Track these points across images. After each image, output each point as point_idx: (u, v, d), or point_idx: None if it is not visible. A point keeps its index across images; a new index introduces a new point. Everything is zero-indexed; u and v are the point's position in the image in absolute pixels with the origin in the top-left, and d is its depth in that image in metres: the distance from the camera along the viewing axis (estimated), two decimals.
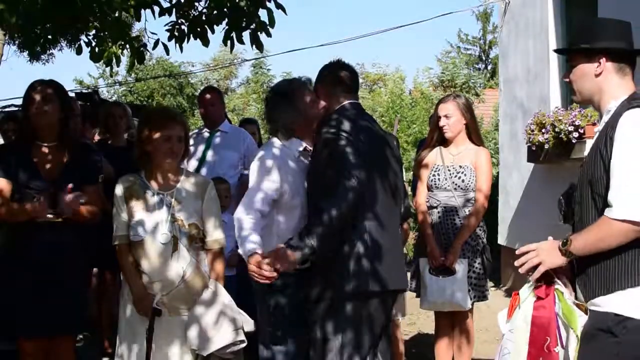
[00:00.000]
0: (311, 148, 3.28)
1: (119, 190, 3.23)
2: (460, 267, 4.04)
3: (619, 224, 2.10)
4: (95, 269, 5.07)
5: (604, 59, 2.26)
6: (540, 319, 2.25)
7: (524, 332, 2.27)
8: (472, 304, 4.19)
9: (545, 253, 2.30)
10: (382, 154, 3.21)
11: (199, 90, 8.49)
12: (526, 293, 2.33)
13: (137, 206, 3.19)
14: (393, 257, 3.06)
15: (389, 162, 3.22)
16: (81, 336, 5.02)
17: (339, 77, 3.30)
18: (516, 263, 2.34)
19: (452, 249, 4.07)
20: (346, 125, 3.09)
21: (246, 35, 4.60)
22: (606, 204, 2.15)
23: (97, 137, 5.73)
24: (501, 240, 8.07)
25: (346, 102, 3.26)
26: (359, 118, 3.22)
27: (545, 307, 2.25)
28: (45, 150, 3.44)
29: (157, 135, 3.15)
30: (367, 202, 3.00)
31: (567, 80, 2.39)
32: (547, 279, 2.28)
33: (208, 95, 5.24)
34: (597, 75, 2.28)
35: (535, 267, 2.28)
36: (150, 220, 3.15)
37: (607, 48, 2.26)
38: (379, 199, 3.07)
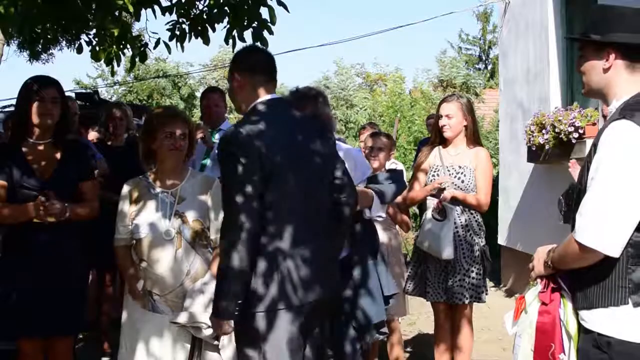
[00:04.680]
0: None
1: (124, 192, 3.25)
2: (452, 213, 4.06)
3: (577, 247, 1.99)
4: (94, 269, 5.06)
5: (613, 54, 2.10)
6: (544, 325, 2.19)
7: (529, 338, 2.22)
8: (470, 304, 4.18)
9: (536, 260, 2.26)
10: (299, 161, 2.65)
11: (198, 90, 8.50)
12: (531, 297, 2.28)
13: (142, 205, 3.19)
14: (310, 270, 2.60)
15: (309, 168, 2.69)
16: (81, 336, 5.02)
17: (257, 62, 2.78)
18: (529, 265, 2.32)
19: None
20: (246, 137, 2.53)
21: (247, 34, 4.60)
22: None
23: (95, 135, 5.73)
24: (501, 240, 8.07)
25: (265, 98, 2.71)
26: (274, 120, 2.65)
27: (549, 313, 2.19)
28: (39, 148, 3.41)
29: (160, 132, 3.18)
30: (277, 219, 2.57)
31: (579, 71, 2.24)
32: (553, 284, 2.21)
33: (212, 96, 5.29)
34: (605, 71, 2.12)
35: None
36: (154, 217, 3.15)
37: (617, 43, 2.09)
38: (294, 212, 2.60)
